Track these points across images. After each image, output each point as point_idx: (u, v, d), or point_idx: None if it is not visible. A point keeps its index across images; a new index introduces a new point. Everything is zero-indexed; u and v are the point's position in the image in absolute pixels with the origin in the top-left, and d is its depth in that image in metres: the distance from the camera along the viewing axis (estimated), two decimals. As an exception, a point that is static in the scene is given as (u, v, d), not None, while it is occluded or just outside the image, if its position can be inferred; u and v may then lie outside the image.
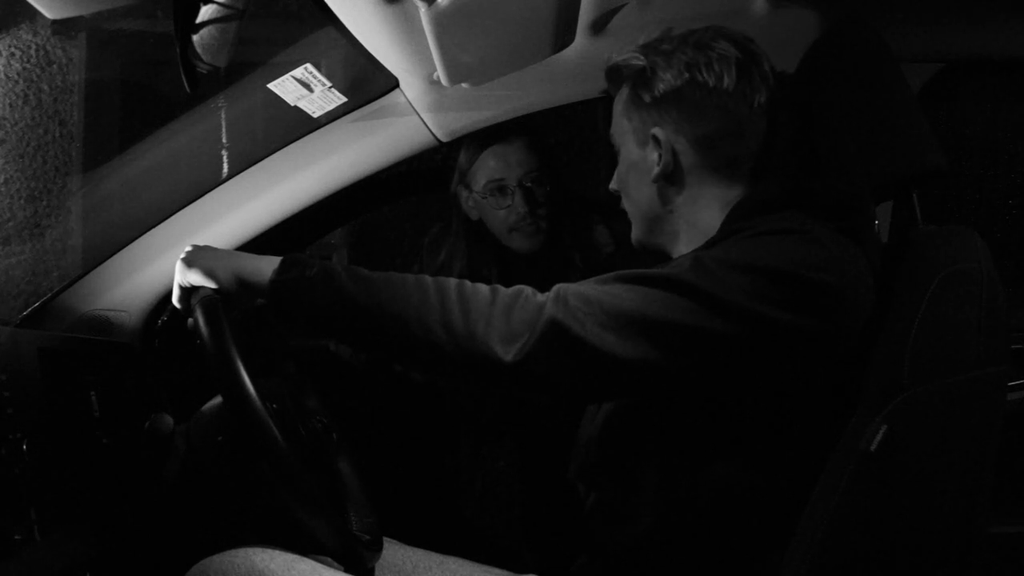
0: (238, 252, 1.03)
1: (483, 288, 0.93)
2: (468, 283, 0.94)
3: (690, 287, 0.88)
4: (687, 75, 1.03)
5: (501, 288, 0.93)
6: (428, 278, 0.94)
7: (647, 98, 1.06)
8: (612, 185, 1.16)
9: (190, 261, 1.01)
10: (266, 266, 0.97)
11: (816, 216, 0.97)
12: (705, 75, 1.03)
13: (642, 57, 1.07)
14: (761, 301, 0.87)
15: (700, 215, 1.06)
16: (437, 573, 1.17)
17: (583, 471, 1.10)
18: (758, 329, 0.87)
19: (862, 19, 1.07)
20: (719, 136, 1.03)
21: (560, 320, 0.88)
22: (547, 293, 0.92)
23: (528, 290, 0.93)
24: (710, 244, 0.99)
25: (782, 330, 0.88)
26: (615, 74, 1.11)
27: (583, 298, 0.90)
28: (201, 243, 1.08)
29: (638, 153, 1.09)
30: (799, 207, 0.99)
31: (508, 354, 0.87)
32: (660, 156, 1.05)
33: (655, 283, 0.90)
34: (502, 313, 0.89)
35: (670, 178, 1.06)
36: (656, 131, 1.05)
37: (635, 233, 1.14)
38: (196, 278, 1.00)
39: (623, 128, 1.11)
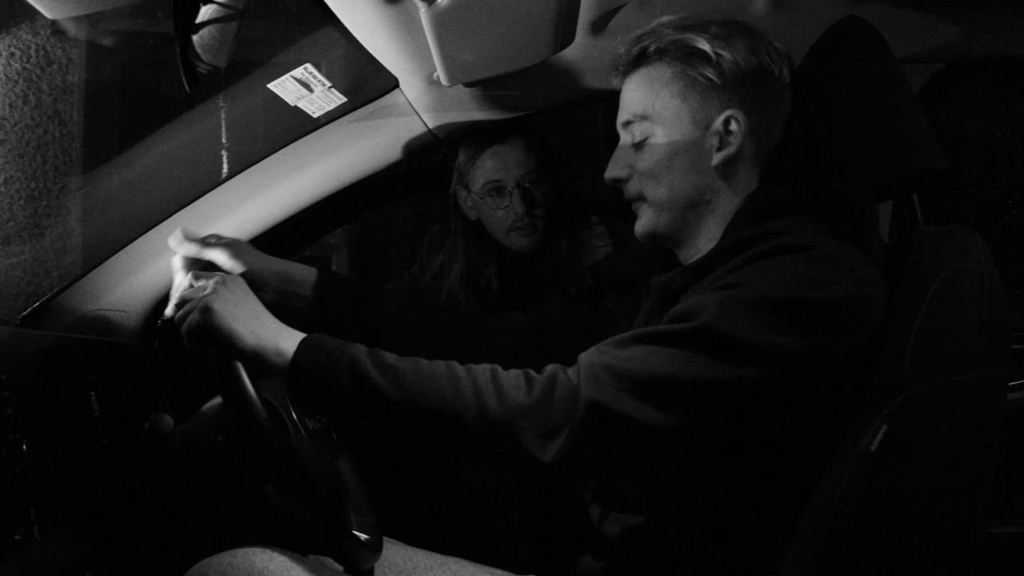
0: (262, 316, 0.95)
1: (518, 378, 0.89)
2: (501, 372, 0.90)
3: (718, 337, 0.85)
4: (755, 59, 1.00)
5: (533, 375, 0.90)
6: (459, 368, 0.90)
7: (716, 79, 1.00)
8: (620, 172, 1.07)
9: (213, 307, 0.94)
10: (288, 346, 0.91)
11: (820, 219, 0.97)
12: (769, 60, 1.00)
13: (700, 38, 1.01)
14: (790, 334, 0.86)
15: (730, 207, 1.03)
16: (438, 573, 1.17)
17: (600, 494, 1.10)
18: (790, 363, 0.86)
19: (862, 19, 1.07)
20: (774, 125, 1.02)
21: (598, 400, 0.85)
22: (577, 369, 0.89)
23: (561, 373, 0.89)
24: (716, 256, 0.98)
25: (810, 358, 0.87)
26: (658, 53, 1.03)
27: (610, 371, 0.87)
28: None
29: (693, 135, 1.01)
30: (803, 211, 0.98)
31: (547, 454, 0.85)
32: (722, 140, 1.01)
33: (681, 342, 0.87)
34: (539, 405, 0.86)
35: (728, 164, 1.02)
36: (733, 114, 1.00)
37: (657, 223, 1.06)
38: (212, 328, 0.93)
39: (672, 108, 1.02)
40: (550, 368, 0.90)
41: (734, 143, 1.01)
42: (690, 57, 1.01)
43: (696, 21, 1.04)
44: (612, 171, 1.08)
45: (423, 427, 0.89)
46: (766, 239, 0.95)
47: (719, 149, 1.01)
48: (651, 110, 1.03)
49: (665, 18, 1.05)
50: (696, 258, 1.04)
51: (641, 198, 1.07)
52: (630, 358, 0.88)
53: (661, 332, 0.89)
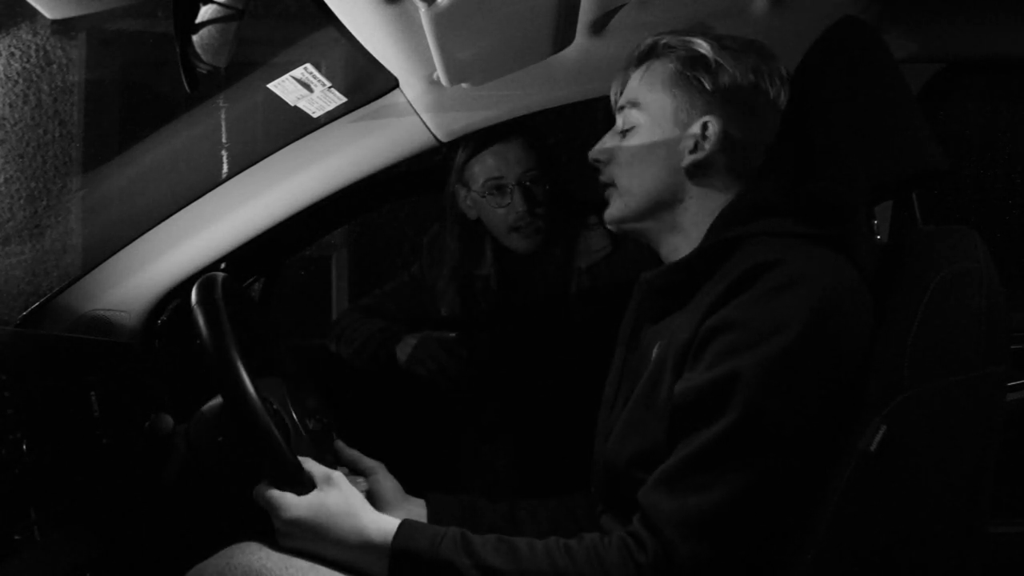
0: (340, 533, 0.97)
1: (624, 561, 0.90)
2: (607, 560, 0.90)
3: (754, 431, 0.88)
4: (752, 78, 1.02)
5: (642, 561, 0.89)
6: (560, 560, 0.91)
7: (708, 85, 1.02)
8: (602, 155, 1.09)
9: (286, 533, 0.99)
10: (378, 567, 0.95)
11: (803, 222, 0.97)
12: (768, 84, 1.03)
13: (706, 45, 1.03)
14: (813, 385, 0.88)
15: (702, 212, 1.04)
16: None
17: (599, 489, 1.10)
18: (821, 407, 0.90)
19: (862, 19, 1.07)
20: (756, 144, 1.03)
21: (688, 556, 0.87)
22: (653, 540, 0.89)
23: (641, 555, 0.90)
24: (698, 258, 0.99)
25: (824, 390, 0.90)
26: (666, 49, 1.06)
27: (685, 523, 0.88)
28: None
29: (672, 133, 1.04)
30: (784, 214, 0.98)
31: None
32: (697, 145, 1.02)
33: (726, 448, 0.88)
34: None
35: (697, 169, 1.03)
36: (710, 119, 1.02)
37: (624, 212, 1.08)
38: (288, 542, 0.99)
39: (660, 102, 1.05)
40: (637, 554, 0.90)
41: (706, 149, 1.02)
42: (692, 59, 1.03)
43: (693, 28, 1.07)
44: (595, 151, 1.11)
45: None
46: (742, 246, 0.96)
47: (691, 152, 1.03)
48: (643, 100, 1.06)
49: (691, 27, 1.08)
50: (677, 257, 1.05)
51: (612, 184, 1.09)
52: (694, 490, 0.88)
53: (703, 449, 0.89)
